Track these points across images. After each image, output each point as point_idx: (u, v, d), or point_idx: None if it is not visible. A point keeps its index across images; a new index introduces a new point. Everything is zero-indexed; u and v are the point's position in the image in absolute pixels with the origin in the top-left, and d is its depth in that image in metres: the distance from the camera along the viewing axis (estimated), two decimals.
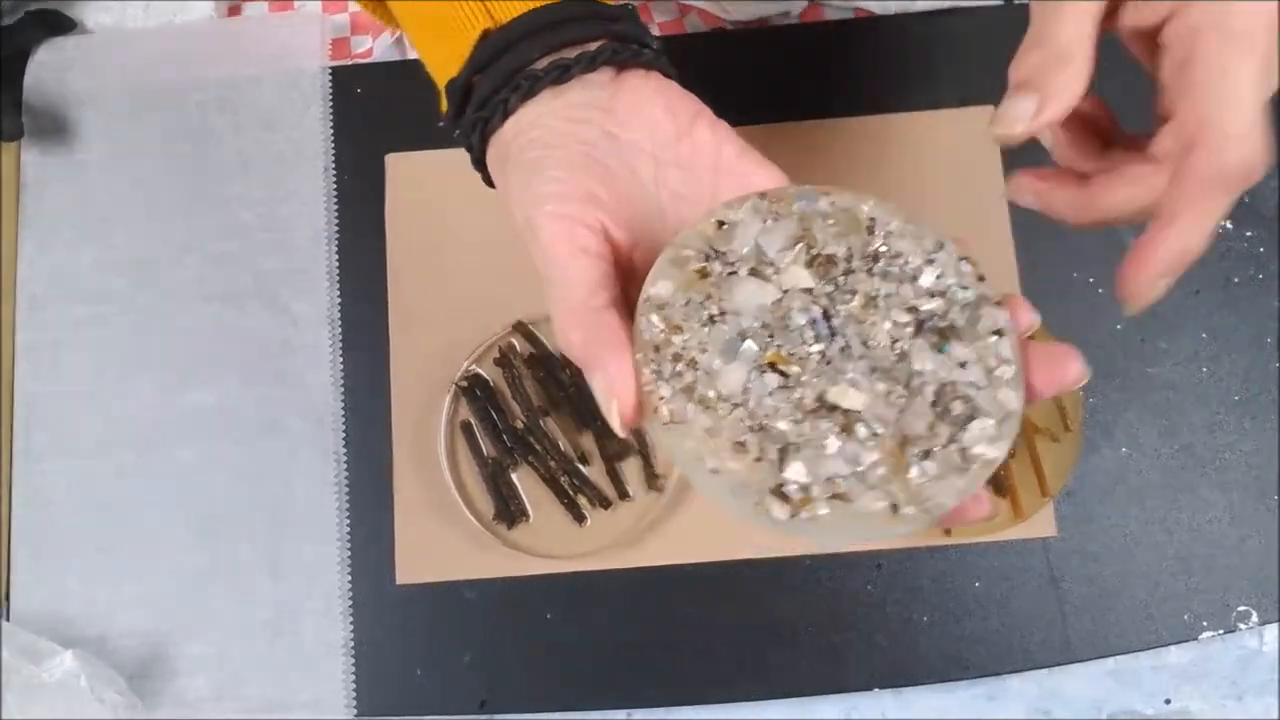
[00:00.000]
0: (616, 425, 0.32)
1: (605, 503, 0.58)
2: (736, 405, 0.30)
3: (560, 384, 0.59)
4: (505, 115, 0.36)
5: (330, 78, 0.65)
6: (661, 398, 0.31)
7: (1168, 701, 0.57)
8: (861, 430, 0.30)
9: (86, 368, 0.62)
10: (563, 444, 0.59)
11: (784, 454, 0.30)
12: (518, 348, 0.60)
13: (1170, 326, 0.60)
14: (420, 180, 0.63)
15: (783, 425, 0.30)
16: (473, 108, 0.37)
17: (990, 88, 0.62)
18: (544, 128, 0.35)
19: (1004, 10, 0.64)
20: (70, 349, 0.62)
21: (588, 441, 0.59)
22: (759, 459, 0.30)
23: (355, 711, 0.57)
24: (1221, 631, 0.56)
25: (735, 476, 0.30)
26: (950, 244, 0.32)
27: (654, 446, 0.59)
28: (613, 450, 0.59)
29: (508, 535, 0.58)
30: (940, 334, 0.31)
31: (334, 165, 0.63)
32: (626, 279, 0.34)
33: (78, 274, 0.63)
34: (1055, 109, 0.33)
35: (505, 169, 0.36)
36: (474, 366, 0.60)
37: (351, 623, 0.58)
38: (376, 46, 0.66)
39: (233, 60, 0.65)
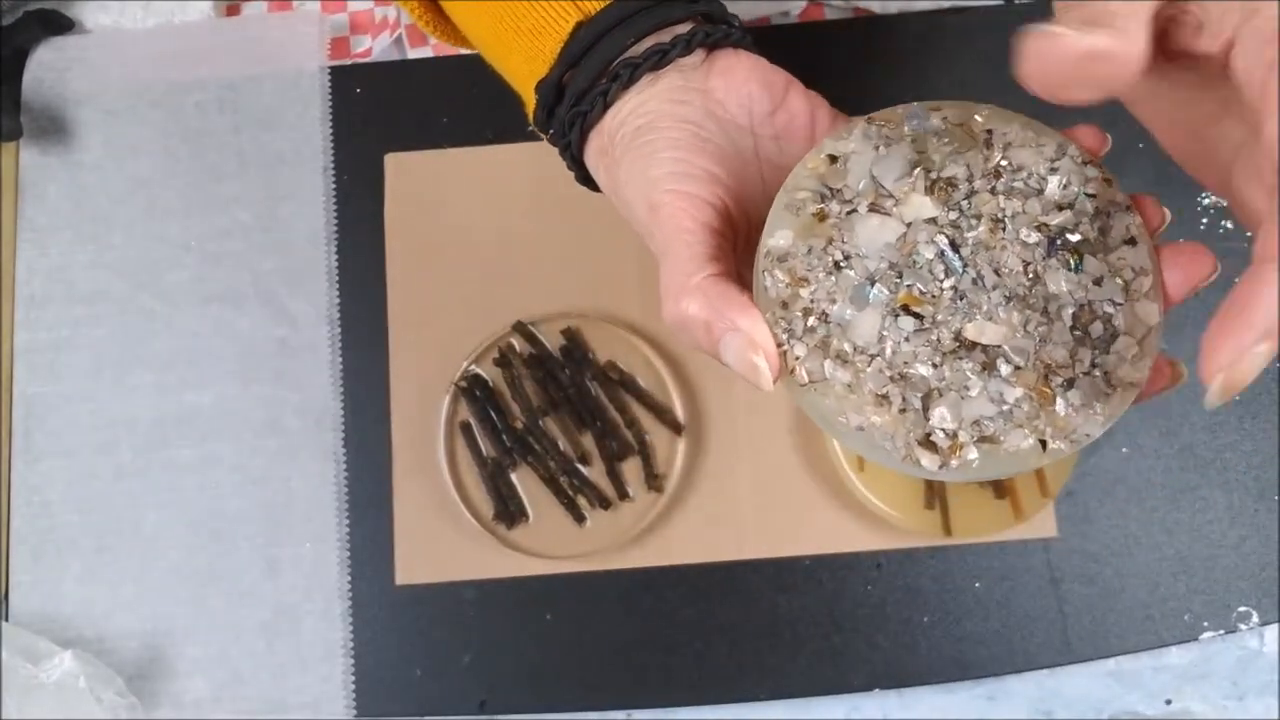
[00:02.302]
0: (766, 383, 0.30)
1: (605, 503, 0.58)
2: (874, 355, 0.29)
3: (560, 384, 0.59)
4: (605, 107, 0.35)
5: (329, 77, 0.64)
6: (797, 358, 0.30)
7: (1168, 702, 0.57)
8: (1003, 366, 0.29)
9: (85, 368, 0.61)
10: (562, 444, 0.59)
11: (927, 401, 0.29)
12: (517, 348, 0.60)
13: (1171, 327, 0.59)
14: (420, 180, 0.63)
15: (922, 370, 0.29)
16: (568, 104, 0.36)
17: (990, 87, 0.62)
18: (648, 113, 0.34)
19: (1004, 10, 0.64)
20: (69, 349, 0.62)
21: (588, 441, 0.59)
22: (903, 410, 0.29)
23: (355, 712, 0.57)
24: (1222, 632, 0.56)
25: (881, 430, 0.29)
26: (1073, 147, 0.30)
27: (653, 447, 0.59)
28: (613, 450, 0.59)
29: (507, 535, 0.58)
30: (1072, 250, 0.29)
31: (333, 165, 0.63)
32: (740, 260, 0.33)
33: (76, 274, 0.63)
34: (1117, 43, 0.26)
35: (611, 159, 0.35)
36: (473, 366, 0.60)
37: (351, 623, 0.58)
38: (376, 46, 0.66)
39: (231, 60, 0.65)
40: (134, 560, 0.59)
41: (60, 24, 0.65)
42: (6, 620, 0.58)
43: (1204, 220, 0.60)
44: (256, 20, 0.66)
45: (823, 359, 0.29)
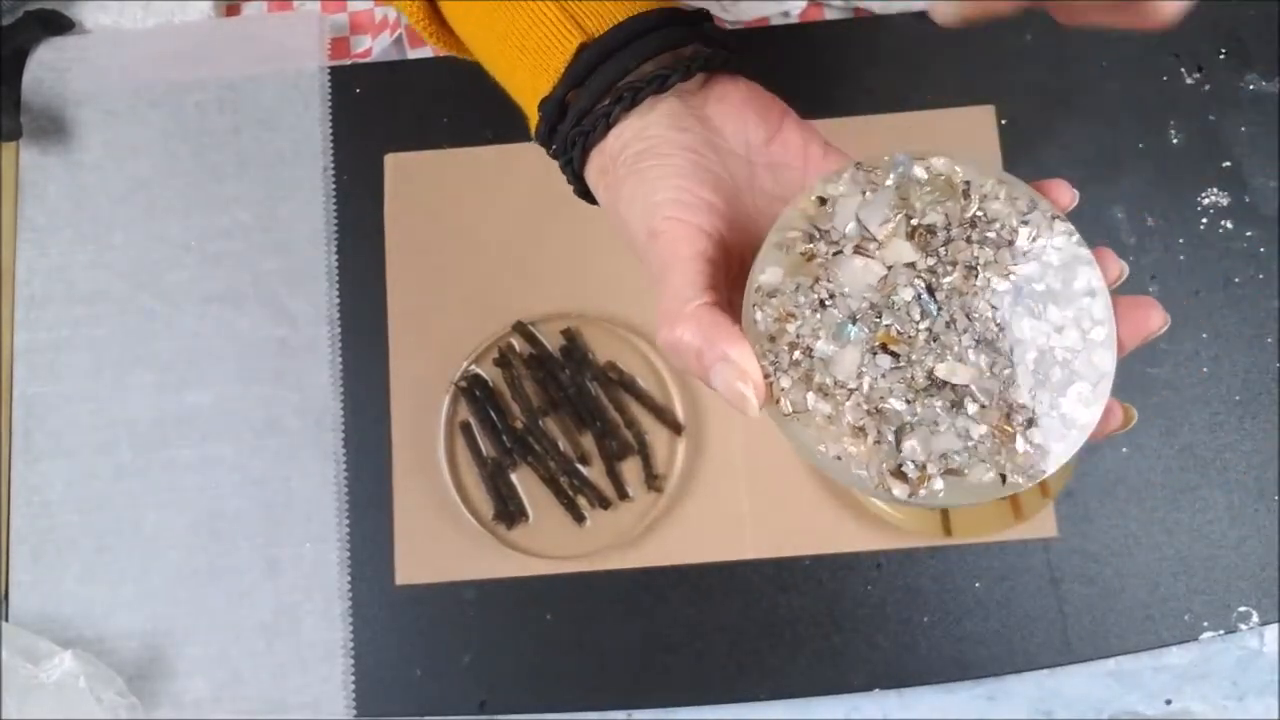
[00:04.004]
0: (752, 411, 0.31)
1: (605, 503, 0.58)
2: (852, 390, 0.31)
3: (560, 384, 0.59)
4: (608, 127, 0.36)
5: (329, 78, 0.65)
6: (782, 389, 0.32)
7: (1168, 702, 0.57)
8: (970, 405, 0.31)
9: (85, 368, 0.61)
10: (562, 444, 0.59)
11: (900, 434, 0.31)
12: (517, 348, 0.60)
13: (1170, 327, 0.59)
14: (419, 180, 0.63)
15: (897, 405, 0.31)
16: (570, 122, 0.37)
17: (990, 87, 0.62)
18: (651, 138, 0.35)
19: None
20: (69, 349, 0.62)
21: (588, 441, 0.59)
22: (877, 441, 0.31)
23: (355, 712, 0.57)
24: (1222, 632, 0.56)
25: (856, 460, 0.31)
26: (1043, 202, 0.33)
27: (653, 447, 0.59)
28: (612, 450, 0.59)
29: (507, 535, 0.58)
30: (1037, 298, 0.32)
31: (333, 165, 0.63)
32: (732, 286, 0.35)
33: (76, 274, 0.63)
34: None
35: (613, 179, 0.36)
36: (473, 367, 0.60)
37: (351, 623, 0.58)
38: (376, 46, 0.66)
39: (232, 60, 0.65)
40: (134, 560, 0.59)
41: (60, 24, 0.65)
42: (6, 620, 0.58)
43: (1204, 220, 0.60)
44: (256, 20, 0.66)
45: (805, 391, 0.31)
